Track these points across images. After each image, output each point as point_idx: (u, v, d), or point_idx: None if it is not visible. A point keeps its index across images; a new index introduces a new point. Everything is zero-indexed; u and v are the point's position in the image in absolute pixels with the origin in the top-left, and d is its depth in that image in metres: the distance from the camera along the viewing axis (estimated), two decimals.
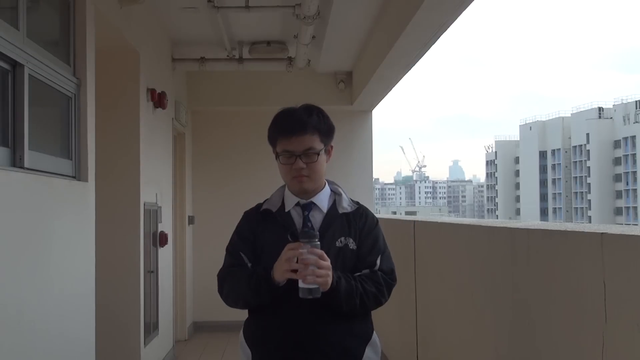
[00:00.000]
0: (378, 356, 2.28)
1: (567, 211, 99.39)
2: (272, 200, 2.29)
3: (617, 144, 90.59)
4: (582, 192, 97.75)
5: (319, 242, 2.02)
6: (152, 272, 5.31)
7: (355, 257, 2.20)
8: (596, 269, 1.85)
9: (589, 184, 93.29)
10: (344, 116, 7.84)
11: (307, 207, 2.23)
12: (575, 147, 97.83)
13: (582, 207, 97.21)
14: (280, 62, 6.72)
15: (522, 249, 2.46)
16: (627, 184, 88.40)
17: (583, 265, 1.96)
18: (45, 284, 2.97)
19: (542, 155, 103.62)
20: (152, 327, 5.34)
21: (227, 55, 6.53)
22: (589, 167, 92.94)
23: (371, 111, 8.08)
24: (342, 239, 2.19)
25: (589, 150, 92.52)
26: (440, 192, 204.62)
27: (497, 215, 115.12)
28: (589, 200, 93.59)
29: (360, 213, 2.29)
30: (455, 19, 4.40)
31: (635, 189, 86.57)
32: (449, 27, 4.57)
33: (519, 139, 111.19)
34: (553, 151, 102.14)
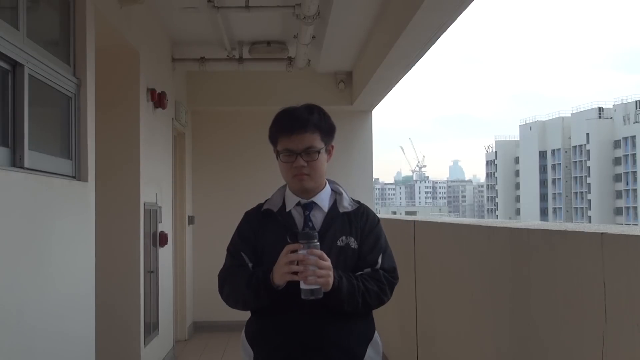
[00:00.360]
0: (379, 356, 2.28)
1: (567, 211, 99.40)
2: (273, 200, 2.28)
3: (617, 144, 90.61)
4: (582, 192, 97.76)
5: (318, 243, 2.01)
6: (152, 272, 5.31)
7: (357, 256, 2.20)
8: (596, 269, 1.85)
9: (589, 184, 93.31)
10: (344, 116, 7.84)
11: (308, 207, 2.23)
12: (575, 147, 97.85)
13: (582, 207, 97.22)
14: (280, 62, 6.72)
15: (522, 249, 2.45)
16: (627, 184, 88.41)
17: (583, 265, 1.96)
18: (46, 284, 2.97)
19: (542, 155, 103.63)
20: (152, 327, 5.34)
21: (227, 55, 6.53)
22: (589, 167, 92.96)
23: (371, 111, 8.08)
24: (344, 238, 2.19)
25: (589, 150, 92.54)
26: (440, 192, 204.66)
27: (497, 215, 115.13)
28: (589, 200, 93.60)
29: (362, 212, 2.28)
30: (455, 19, 4.40)
31: (635, 189, 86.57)
32: (448, 27, 4.57)
33: (519, 139, 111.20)
34: (553, 151, 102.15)
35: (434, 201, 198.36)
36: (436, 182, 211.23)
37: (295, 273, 2.00)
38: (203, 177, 7.75)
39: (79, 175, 3.53)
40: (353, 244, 2.19)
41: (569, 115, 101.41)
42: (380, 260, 2.21)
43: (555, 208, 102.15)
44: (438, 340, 3.83)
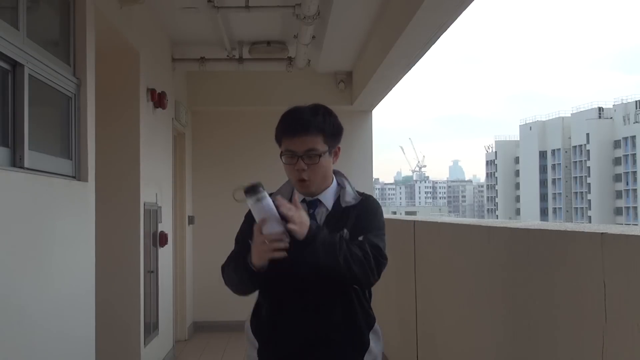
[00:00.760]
0: (380, 344, 2.28)
1: (567, 211, 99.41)
2: (281, 192, 2.27)
3: (617, 144, 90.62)
4: (582, 192, 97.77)
5: (265, 193, 1.97)
6: (152, 272, 5.31)
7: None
8: (596, 269, 1.85)
9: (589, 184, 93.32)
10: (344, 116, 7.72)
11: (313, 204, 2.22)
12: (575, 147, 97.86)
13: (582, 207, 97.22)
14: (280, 62, 6.72)
15: (522, 249, 2.46)
16: (627, 184, 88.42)
17: (583, 265, 1.96)
18: (46, 283, 2.97)
19: (542, 155, 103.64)
20: (152, 327, 5.34)
21: (227, 55, 6.53)
22: (589, 167, 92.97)
23: (371, 111, 8.08)
24: (342, 232, 2.16)
25: (589, 150, 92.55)
26: (440, 192, 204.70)
27: (497, 215, 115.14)
28: (589, 200, 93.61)
29: (362, 203, 2.24)
30: (455, 19, 4.40)
31: (635, 189, 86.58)
32: (449, 27, 4.57)
33: (519, 139, 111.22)
34: (553, 151, 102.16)
35: (434, 201, 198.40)
36: (436, 182, 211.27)
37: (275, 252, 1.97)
38: (203, 177, 7.75)
39: (79, 175, 3.53)
40: (346, 235, 2.15)
41: (569, 115, 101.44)
42: (367, 237, 2.13)
43: (555, 208, 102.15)
44: (438, 340, 3.83)
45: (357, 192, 2.29)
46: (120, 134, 4.83)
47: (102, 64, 4.06)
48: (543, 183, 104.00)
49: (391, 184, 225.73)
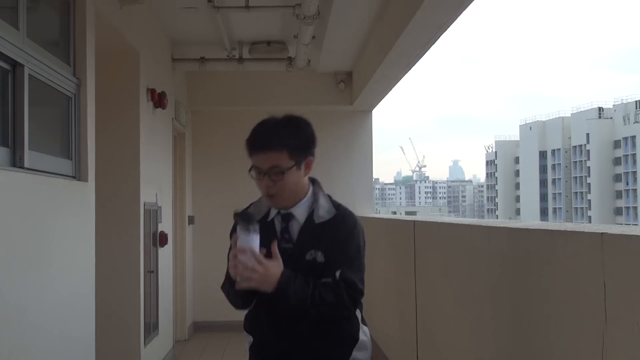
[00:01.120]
0: (367, 355, 2.27)
1: (567, 211, 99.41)
2: (258, 205, 2.28)
3: (617, 144, 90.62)
4: (582, 192, 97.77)
5: (257, 226, 2.02)
6: (152, 272, 5.31)
7: (324, 269, 2.14)
8: (596, 269, 1.85)
9: (589, 184, 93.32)
10: (344, 116, 7.85)
11: (286, 218, 2.21)
12: (575, 147, 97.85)
13: (582, 207, 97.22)
14: (280, 62, 6.72)
15: (522, 249, 2.46)
16: (627, 184, 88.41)
17: (583, 265, 1.96)
18: (46, 284, 2.97)
19: (542, 155, 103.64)
20: (152, 327, 5.34)
21: (227, 55, 6.53)
22: (589, 167, 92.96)
23: (371, 111, 8.08)
24: (312, 251, 2.14)
25: (589, 150, 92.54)
26: (440, 192, 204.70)
27: (497, 215, 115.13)
28: (589, 200, 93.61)
29: (337, 221, 2.19)
30: (455, 19, 4.40)
31: (635, 189, 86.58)
32: (449, 27, 4.57)
33: (519, 139, 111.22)
34: (553, 151, 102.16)
35: (434, 201, 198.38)
36: (436, 182, 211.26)
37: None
38: (203, 177, 7.75)
39: (79, 175, 3.53)
40: (320, 258, 2.13)
41: (569, 115, 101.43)
42: (342, 271, 2.11)
43: (555, 208, 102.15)
44: (438, 340, 3.84)
45: (333, 203, 2.25)
46: (120, 134, 4.83)
47: (102, 64, 4.06)
48: (543, 183, 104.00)
49: (391, 184, 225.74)
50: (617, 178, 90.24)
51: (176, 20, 5.79)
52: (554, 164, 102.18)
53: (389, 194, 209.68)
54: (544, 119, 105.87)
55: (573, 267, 2.02)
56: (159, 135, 5.68)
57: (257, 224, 2.03)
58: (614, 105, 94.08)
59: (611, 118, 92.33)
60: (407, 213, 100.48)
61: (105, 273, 4.15)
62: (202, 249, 7.57)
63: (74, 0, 3.54)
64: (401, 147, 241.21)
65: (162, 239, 5.61)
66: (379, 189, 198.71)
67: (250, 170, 2.16)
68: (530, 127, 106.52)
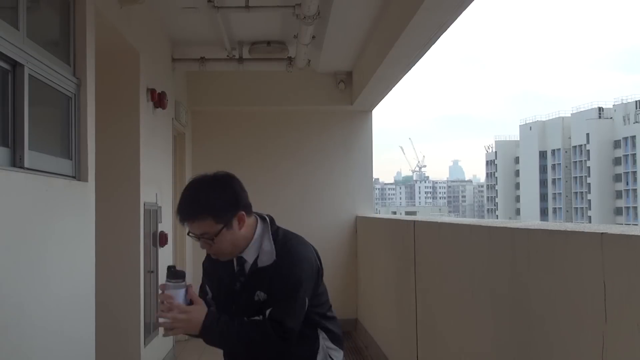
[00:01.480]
0: None
1: (567, 211, 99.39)
2: None
3: (617, 144, 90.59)
4: (582, 192, 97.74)
5: (183, 282, 2.18)
6: (152, 272, 5.31)
7: (266, 307, 2.22)
8: (596, 269, 1.85)
9: (589, 184, 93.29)
10: (344, 116, 7.84)
11: (239, 261, 2.30)
12: (575, 147, 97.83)
13: (582, 207, 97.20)
14: (280, 62, 6.71)
15: (522, 249, 2.46)
16: (627, 184, 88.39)
17: (583, 265, 1.96)
18: (45, 284, 2.97)
19: (542, 155, 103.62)
20: (152, 327, 5.34)
21: (227, 55, 6.53)
22: (589, 167, 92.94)
23: (371, 111, 8.08)
24: (258, 292, 2.23)
25: (589, 150, 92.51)
26: (440, 192, 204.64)
27: (497, 215, 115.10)
28: (589, 200, 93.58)
29: (276, 265, 2.24)
30: (455, 19, 4.40)
31: (635, 189, 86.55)
32: (449, 27, 4.57)
33: (519, 139, 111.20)
34: (553, 151, 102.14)
35: (434, 201, 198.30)
36: (436, 182, 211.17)
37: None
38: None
39: (79, 175, 3.53)
40: (263, 297, 2.22)
41: (569, 115, 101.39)
42: (271, 311, 2.18)
43: (555, 208, 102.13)
44: (438, 340, 3.83)
45: (277, 244, 2.27)
46: (120, 133, 4.83)
47: (102, 64, 4.06)
48: (543, 183, 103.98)
49: (391, 184, 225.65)
50: (617, 178, 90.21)
51: (176, 20, 5.79)
52: (554, 164, 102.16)
53: (389, 194, 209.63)
54: (544, 119, 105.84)
55: (573, 267, 2.02)
56: (159, 135, 5.68)
57: (184, 281, 2.19)
58: (614, 105, 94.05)
59: (611, 118, 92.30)
60: (407, 213, 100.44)
61: (105, 273, 4.15)
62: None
63: (74, 0, 3.54)
64: (401, 147, 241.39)
65: (162, 239, 5.61)
66: (379, 189, 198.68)
67: (188, 233, 2.26)
68: (530, 127, 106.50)
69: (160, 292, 2.18)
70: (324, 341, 2.30)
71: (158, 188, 5.55)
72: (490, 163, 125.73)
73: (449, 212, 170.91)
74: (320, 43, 6.16)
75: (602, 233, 1.84)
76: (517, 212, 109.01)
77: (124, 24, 4.46)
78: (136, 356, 4.86)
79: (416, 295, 4.30)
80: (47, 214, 3.04)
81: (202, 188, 2.22)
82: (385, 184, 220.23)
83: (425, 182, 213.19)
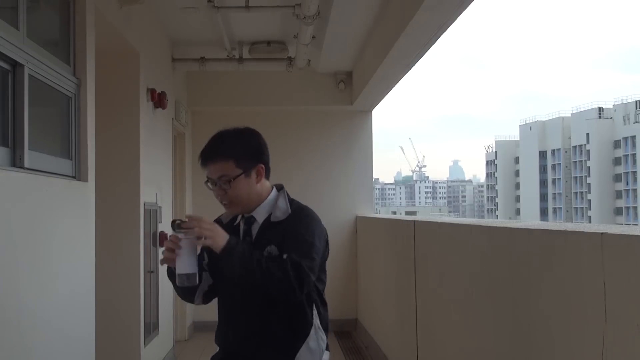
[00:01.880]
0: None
1: (567, 211, 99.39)
2: (228, 213, 2.41)
3: (617, 144, 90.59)
4: (582, 192, 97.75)
5: (192, 232, 2.11)
6: (152, 272, 5.31)
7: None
8: (596, 269, 1.85)
9: (589, 184, 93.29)
10: (344, 116, 7.84)
11: (248, 221, 2.32)
12: (575, 147, 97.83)
13: (582, 207, 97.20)
14: (280, 62, 6.72)
15: (522, 249, 2.46)
16: (627, 184, 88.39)
17: (583, 265, 1.96)
18: (46, 284, 2.97)
19: (542, 155, 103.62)
20: (152, 327, 5.34)
21: (227, 55, 6.53)
22: (589, 167, 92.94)
23: (371, 111, 8.08)
24: (268, 247, 2.23)
25: (589, 150, 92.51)
26: (440, 192, 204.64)
27: (497, 215, 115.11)
28: (589, 200, 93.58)
29: (290, 217, 2.28)
30: (455, 19, 4.40)
31: (635, 189, 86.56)
32: (449, 27, 4.57)
33: (519, 139, 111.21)
34: (553, 151, 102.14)
35: (434, 201, 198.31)
36: (436, 182, 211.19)
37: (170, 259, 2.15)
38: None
39: (79, 175, 3.53)
40: (275, 251, 2.21)
41: (569, 115, 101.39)
42: (289, 255, 2.15)
43: (555, 208, 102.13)
44: (438, 340, 3.84)
45: (293, 204, 2.33)
46: (120, 133, 4.83)
47: (102, 64, 4.06)
48: (543, 183, 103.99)
49: (391, 184, 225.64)
50: (617, 178, 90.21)
51: (176, 20, 5.79)
52: (554, 164, 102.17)
53: (389, 194, 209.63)
54: (544, 119, 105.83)
55: (573, 267, 2.02)
56: (158, 135, 5.68)
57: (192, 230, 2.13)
58: (614, 105, 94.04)
59: (611, 118, 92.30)
60: (407, 213, 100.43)
61: (105, 273, 4.15)
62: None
63: (74, 0, 3.54)
64: (401, 147, 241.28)
65: (162, 239, 5.61)
66: (379, 189, 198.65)
67: (206, 182, 2.31)
68: (530, 127, 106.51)
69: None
70: (316, 319, 2.30)
71: (158, 188, 5.55)
72: (490, 163, 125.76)
73: (449, 212, 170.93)
74: (320, 43, 6.16)
75: (602, 233, 1.84)
76: (517, 212, 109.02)
77: (124, 24, 4.46)
78: (136, 356, 4.86)
79: (416, 295, 4.30)
80: (47, 214, 3.04)
81: (229, 135, 2.32)
82: (385, 184, 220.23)
83: (425, 182, 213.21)
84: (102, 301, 3.90)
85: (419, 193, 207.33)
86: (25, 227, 2.79)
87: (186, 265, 2.11)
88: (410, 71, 6.02)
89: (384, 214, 22.68)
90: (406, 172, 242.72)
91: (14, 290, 2.65)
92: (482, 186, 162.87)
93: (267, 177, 2.35)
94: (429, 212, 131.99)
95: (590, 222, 69.35)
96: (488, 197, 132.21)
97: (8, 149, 2.76)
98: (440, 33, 4.72)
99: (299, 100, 7.61)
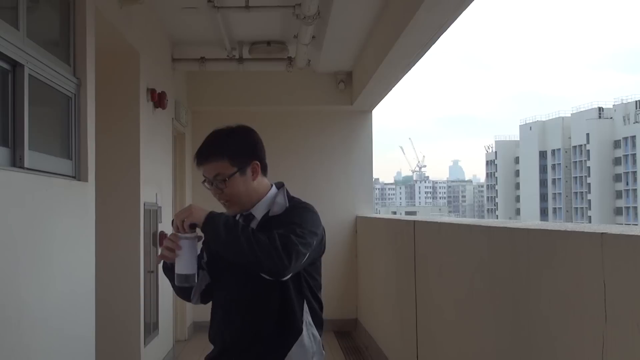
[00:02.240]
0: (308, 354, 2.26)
1: (567, 211, 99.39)
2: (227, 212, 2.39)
3: (617, 144, 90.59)
4: (582, 192, 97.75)
5: (194, 233, 2.13)
6: (152, 272, 5.31)
7: None
8: (596, 269, 1.85)
9: (589, 184, 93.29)
10: (344, 116, 7.84)
11: (247, 218, 2.31)
12: (575, 147, 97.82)
13: (582, 207, 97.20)
14: (280, 62, 6.72)
15: (522, 249, 2.46)
16: (627, 184, 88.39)
17: (583, 265, 1.96)
18: (46, 283, 2.98)
19: (542, 155, 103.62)
20: (152, 327, 5.34)
21: (227, 55, 6.53)
22: (589, 167, 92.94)
23: (371, 111, 8.08)
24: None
25: (589, 150, 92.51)
26: (440, 192, 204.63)
27: (497, 215, 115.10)
28: (589, 200, 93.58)
29: (287, 210, 2.28)
30: (455, 19, 4.40)
31: (635, 189, 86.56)
32: (449, 27, 4.57)
33: (519, 139, 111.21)
34: (553, 151, 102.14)
35: (434, 201, 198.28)
36: (436, 182, 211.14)
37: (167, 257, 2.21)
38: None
39: (79, 175, 3.53)
40: None
41: (569, 115, 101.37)
42: (279, 230, 2.11)
43: (555, 208, 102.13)
44: (438, 340, 3.84)
45: (293, 199, 2.32)
46: (120, 134, 4.84)
47: (102, 64, 4.06)
48: (543, 183, 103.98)
49: (391, 184, 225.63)
50: (617, 178, 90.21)
51: (176, 20, 5.79)
52: (554, 164, 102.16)
53: (389, 194, 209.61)
54: (544, 119, 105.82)
55: (573, 267, 2.02)
56: (159, 135, 5.68)
57: (194, 231, 2.14)
58: (614, 105, 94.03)
59: (611, 118, 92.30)
60: (407, 213, 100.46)
61: (105, 273, 4.16)
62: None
63: (74, 0, 3.54)
64: (401, 147, 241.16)
65: (162, 239, 5.60)
66: (379, 189, 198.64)
67: (203, 182, 2.30)
68: (530, 127, 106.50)
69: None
70: (307, 315, 2.27)
71: (158, 188, 5.55)
72: (490, 163, 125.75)
73: (449, 212, 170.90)
74: (320, 43, 6.16)
75: (602, 233, 1.84)
76: (517, 212, 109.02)
77: (124, 24, 4.46)
78: (136, 356, 4.86)
79: (416, 295, 4.30)
80: (47, 214, 3.04)
81: (222, 133, 2.31)
82: (385, 184, 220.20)
83: (425, 182, 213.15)
84: (102, 301, 3.90)
85: (419, 193, 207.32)
86: (25, 227, 2.79)
87: (186, 265, 2.11)
88: (410, 71, 6.03)
89: (384, 214, 22.68)
90: (406, 172, 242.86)
91: (14, 290, 2.65)
92: (482, 186, 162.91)
93: (265, 173, 2.33)
94: (429, 212, 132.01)
95: (590, 222, 69.36)
96: (488, 197, 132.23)
97: (8, 149, 2.76)
98: (441, 33, 4.72)
99: (299, 100, 7.61)
